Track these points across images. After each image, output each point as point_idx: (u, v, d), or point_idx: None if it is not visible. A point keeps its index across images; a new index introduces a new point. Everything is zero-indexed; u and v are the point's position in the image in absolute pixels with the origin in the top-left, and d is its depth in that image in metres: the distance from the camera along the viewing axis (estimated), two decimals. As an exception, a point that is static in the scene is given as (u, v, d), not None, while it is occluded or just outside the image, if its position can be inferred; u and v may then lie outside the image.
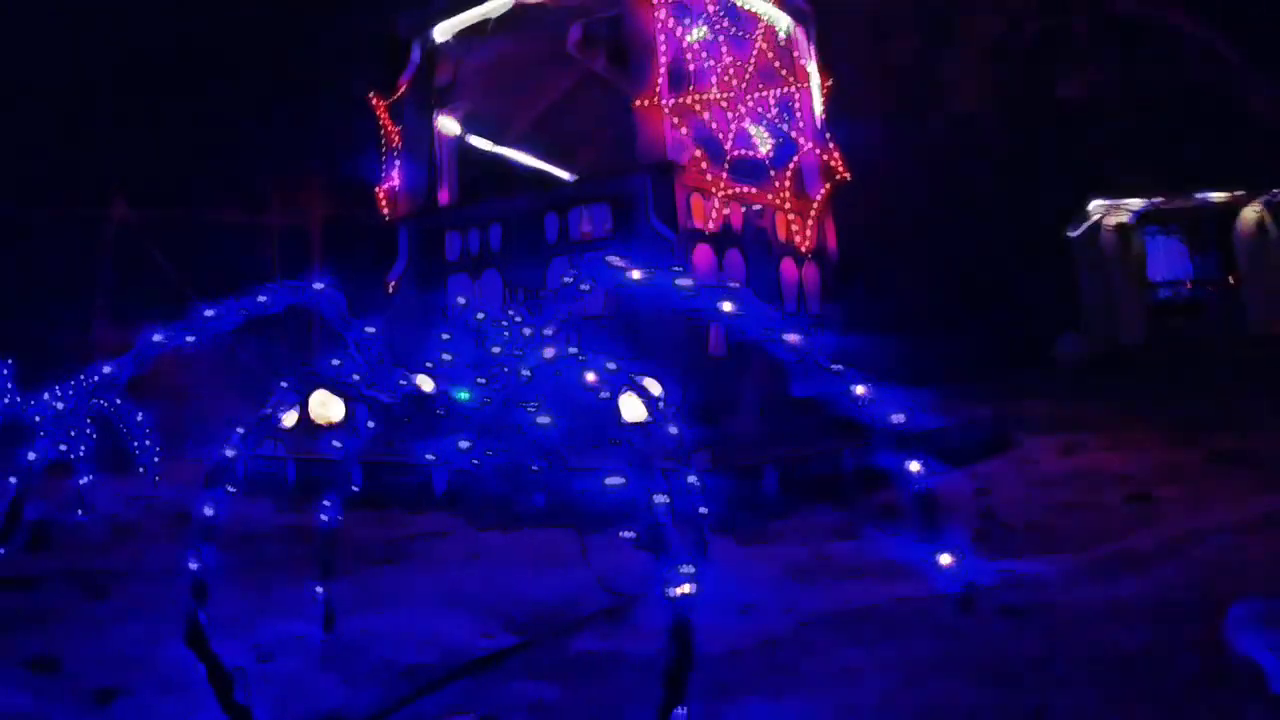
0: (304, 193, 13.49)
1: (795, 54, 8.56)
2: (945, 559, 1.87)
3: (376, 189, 8.79)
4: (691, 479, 2.03)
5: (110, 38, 11.05)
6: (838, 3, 9.06)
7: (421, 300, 8.24)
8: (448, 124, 9.24)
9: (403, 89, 8.84)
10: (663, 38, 7.06)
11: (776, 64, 8.16)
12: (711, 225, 6.99)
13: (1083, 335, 15.32)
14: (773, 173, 7.78)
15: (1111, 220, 15.31)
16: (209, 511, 2.21)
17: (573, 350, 2.45)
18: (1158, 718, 2.04)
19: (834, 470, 5.68)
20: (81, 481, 6.12)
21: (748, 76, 7.69)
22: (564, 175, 11.46)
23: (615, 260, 2.38)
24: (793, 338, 2.07)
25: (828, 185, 8.29)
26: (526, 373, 2.43)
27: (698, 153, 6.98)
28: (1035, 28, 10.30)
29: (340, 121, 12.80)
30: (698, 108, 7.11)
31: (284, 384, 2.37)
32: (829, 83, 8.58)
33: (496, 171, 11.08)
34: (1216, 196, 14.28)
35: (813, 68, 8.65)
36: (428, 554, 4.53)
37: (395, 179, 8.84)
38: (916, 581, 3.05)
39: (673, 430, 2.27)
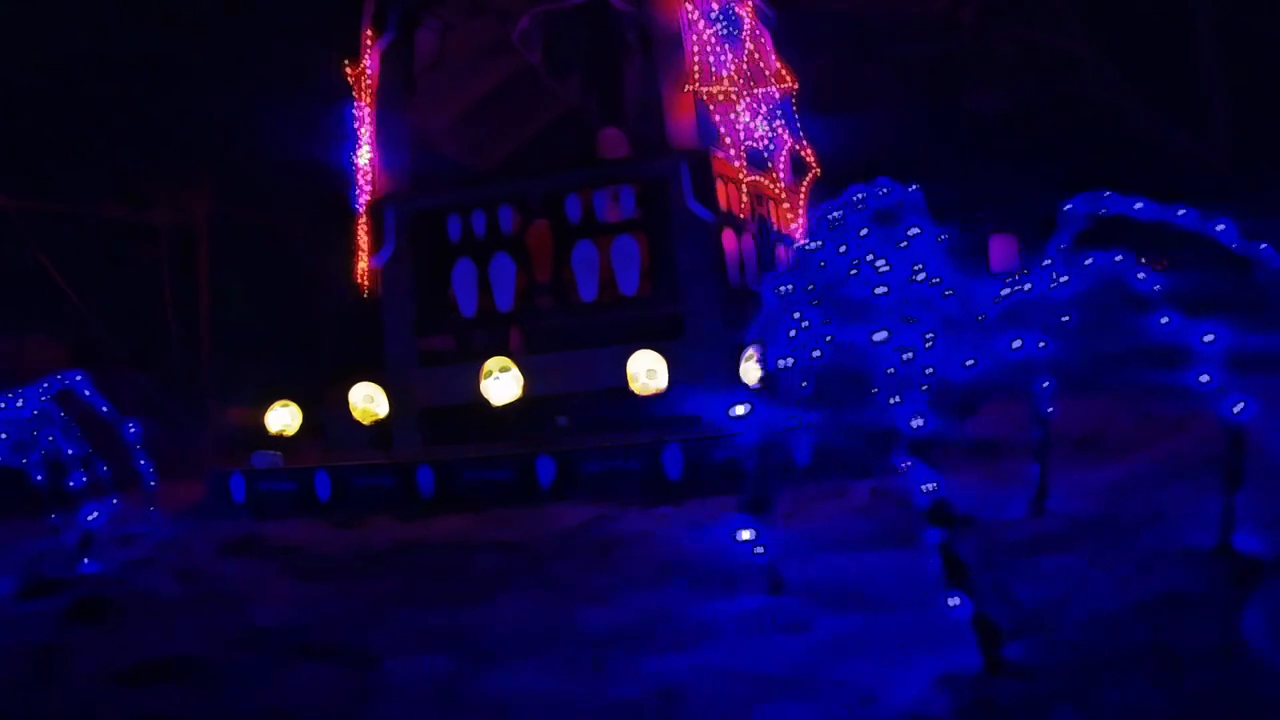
0: (190, 190, 12.37)
1: (772, 56, 9.10)
2: None
3: (356, 168, 8.26)
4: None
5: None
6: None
7: (413, 288, 7.85)
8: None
9: (373, 60, 8.34)
10: (690, 29, 7.33)
11: (761, 64, 8.65)
12: (741, 211, 7.33)
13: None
14: (770, 164, 8.24)
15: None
16: (918, 422, 1.99)
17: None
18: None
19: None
20: (89, 518, 4.94)
21: (746, 72, 8.12)
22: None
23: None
24: None
25: (808, 176, 8.87)
26: (1025, 286, 2.80)
27: (726, 140, 7.30)
28: (938, 50, 11.53)
29: (235, 115, 11.86)
30: (720, 97, 7.43)
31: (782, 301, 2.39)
32: (795, 85, 9.18)
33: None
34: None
35: (782, 70, 9.22)
36: (629, 536, 4.31)
37: (365, 156, 8.32)
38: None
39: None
